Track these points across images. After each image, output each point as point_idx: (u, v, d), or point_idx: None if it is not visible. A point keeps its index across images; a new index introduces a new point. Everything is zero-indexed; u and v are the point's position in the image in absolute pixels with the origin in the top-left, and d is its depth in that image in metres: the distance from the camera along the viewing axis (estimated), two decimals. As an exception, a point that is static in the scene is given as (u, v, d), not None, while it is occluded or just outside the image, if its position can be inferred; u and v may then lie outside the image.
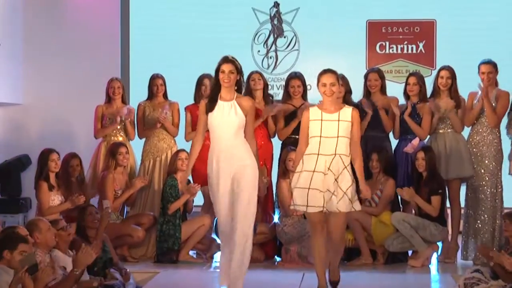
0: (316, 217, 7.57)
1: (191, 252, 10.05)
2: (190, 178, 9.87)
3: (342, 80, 10.11)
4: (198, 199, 10.29)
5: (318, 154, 7.47)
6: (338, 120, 7.50)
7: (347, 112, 7.57)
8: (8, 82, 12.01)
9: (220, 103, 7.75)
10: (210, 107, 7.75)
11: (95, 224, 8.74)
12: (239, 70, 7.72)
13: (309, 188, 7.43)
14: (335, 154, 7.45)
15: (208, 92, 10.27)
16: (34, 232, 7.65)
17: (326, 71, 7.67)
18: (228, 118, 7.70)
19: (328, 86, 7.54)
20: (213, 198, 7.94)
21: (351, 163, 7.61)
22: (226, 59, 7.71)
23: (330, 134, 7.47)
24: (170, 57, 12.47)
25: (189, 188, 9.72)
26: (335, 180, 7.42)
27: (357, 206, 7.61)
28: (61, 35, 12.46)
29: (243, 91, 8.02)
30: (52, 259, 7.55)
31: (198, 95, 10.28)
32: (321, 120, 7.51)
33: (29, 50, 12.45)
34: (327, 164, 7.44)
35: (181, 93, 10.75)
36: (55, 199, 9.89)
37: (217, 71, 7.72)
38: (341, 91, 10.13)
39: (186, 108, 10.43)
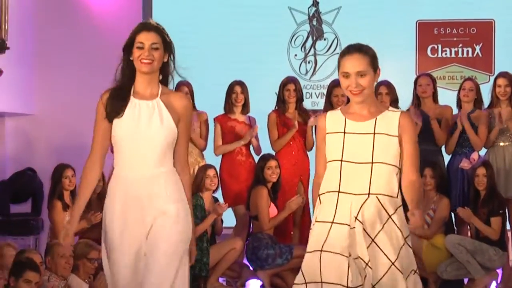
0: None
1: (220, 280, 10.04)
2: (220, 195, 9.89)
3: (388, 88, 10.17)
4: (230, 220, 10.29)
5: (338, 192, 4.90)
6: (374, 133, 4.93)
7: (392, 118, 4.99)
8: (20, 92, 12.12)
9: (133, 102, 5.20)
10: (115, 107, 5.20)
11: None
12: (167, 45, 5.19)
13: (321, 251, 4.83)
14: (368, 194, 4.87)
15: (239, 98, 10.30)
16: (47, 257, 7.72)
17: (350, 50, 5.08)
18: (147, 128, 5.11)
19: (353, 77, 4.94)
20: (107, 267, 5.34)
21: (403, 201, 5.11)
22: (146, 26, 5.18)
23: (359, 158, 4.90)
24: (197, 63, 12.49)
25: (215, 208, 9.62)
26: (372, 240, 4.88)
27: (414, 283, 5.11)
28: (75, 44, 12.56)
29: (173, 84, 5.50)
30: (68, 284, 7.61)
31: (228, 104, 10.30)
32: (344, 132, 4.97)
33: (42, 59, 12.56)
34: (353, 210, 4.85)
35: (210, 102, 10.77)
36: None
37: (129, 45, 5.19)
38: (385, 101, 10.15)
39: (216, 119, 10.44)
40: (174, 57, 5.26)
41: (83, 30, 12.60)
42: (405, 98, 10.41)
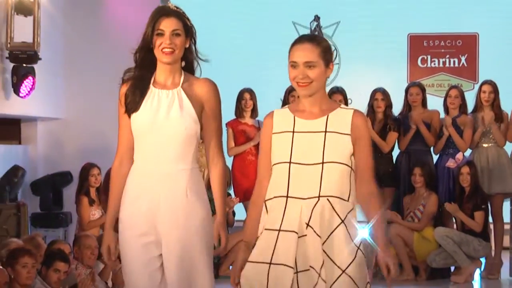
0: None
1: (231, 267, 10.05)
2: (232, 191, 9.92)
3: (383, 94, 10.20)
4: (242, 214, 10.31)
5: (287, 197, 4.04)
6: (325, 132, 4.11)
7: (345, 116, 4.18)
8: (49, 97, 12.12)
9: (153, 92, 4.50)
10: (133, 100, 4.53)
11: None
12: (188, 30, 4.44)
13: (270, 263, 4.00)
14: (318, 197, 4.02)
15: (249, 104, 10.33)
16: (75, 247, 7.74)
17: (301, 39, 4.25)
18: (165, 119, 4.41)
19: (301, 67, 4.13)
20: (124, 272, 4.65)
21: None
22: (165, 10, 4.41)
23: (309, 159, 4.07)
24: (209, 70, 12.50)
25: (227, 201, 9.61)
26: (322, 247, 4.02)
27: None
28: (101, 51, 12.55)
29: (200, 71, 4.71)
30: (93, 272, 7.63)
31: (239, 110, 10.33)
32: (293, 131, 4.13)
33: (70, 69, 12.56)
34: (304, 217, 4.01)
35: (222, 108, 10.76)
36: (95, 213, 10.00)
37: (151, 33, 4.43)
38: (380, 107, 10.18)
39: (227, 124, 10.43)
40: (195, 42, 4.53)
41: (107, 42, 12.60)
42: (398, 103, 10.42)
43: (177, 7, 4.38)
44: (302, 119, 4.13)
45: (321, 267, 3.97)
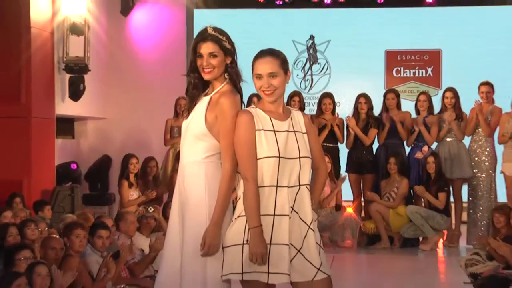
0: None
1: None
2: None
3: (366, 98, 10.23)
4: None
5: (276, 186, 3.86)
6: (294, 131, 3.97)
7: (298, 117, 4.06)
8: (96, 101, 12.17)
9: (201, 98, 4.16)
10: (188, 107, 4.19)
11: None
12: (227, 50, 4.07)
13: (270, 244, 3.81)
14: (299, 186, 3.90)
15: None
16: (120, 222, 7.76)
17: (263, 53, 4.02)
18: (190, 121, 4.11)
19: (265, 78, 3.95)
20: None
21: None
22: (202, 36, 4.05)
23: (290, 154, 3.91)
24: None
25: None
26: (309, 227, 3.90)
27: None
28: (136, 64, 12.60)
29: (241, 79, 4.17)
30: (133, 242, 7.65)
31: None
32: (274, 130, 3.92)
33: (113, 76, 12.59)
34: (290, 201, 3.87)
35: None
36: (133, 194, 10.05)
37: (194, 56, 4.10)
38: (363, 109, 10.20)
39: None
40: (235, 58, 4.12)
41: (141, 57, 12.64)
42: (377, 106, 10.43)
43: (215, 30, 4.03)
44: (276, 120, 3.94)
45: (301, 246, 3.84)
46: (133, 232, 7.89)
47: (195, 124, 4.00)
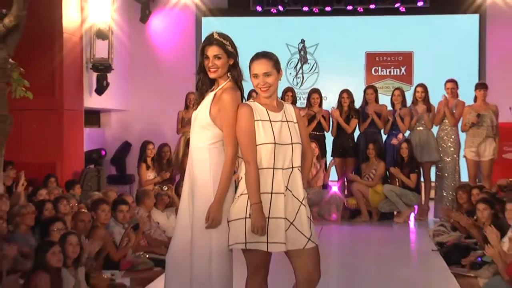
0: (266, 257, 3.93)
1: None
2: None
3: (348, 94, 10.23)
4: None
5: (273, 168, 3.84)
6: (287, 121, 3.95)
7: (290, 109, 4.04)
8: (118, 95, 12.16)
9: (209, 93, 4.10)
10: (198, 101, 4.11)
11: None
12: (230, 53, 4.02)
13: (268, 218, 3.80)
14: (292, 168, 3.89)
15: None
16: (144, 199, 7.77)
17: (258, 56, 4.00)
18: (198, 112, 4.04)
19: (261, 77, 3.93)
20: None
21: None
22: (209, 40, 4.01)
23: (284, 140, 3.89)
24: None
25: None
26: (301, 203, 3.89)
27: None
28: (153, 63, 12.59)
29: (242, 78, 4.09)
30: (150, 215, 7.68)
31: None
32: (270, 120, 3.89)
33: (133, 74, 12.58)
34: (284, 181, 3.86)
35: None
36: (150, 175, 10.07)
37: (201, 57, 4.06)
38: (346, 102, 10.19)
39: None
40: (237, 60, 4.05)
41: (157, 57, 12.62)
42: (358, 100, 10.42)
43: (220, 35, 3.97)
44: (272, 111, 3.91)
45: (294, 219, 3.83)
46: (151, 207, 7.91)
47: (201, 115, 3.96)
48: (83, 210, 6.92)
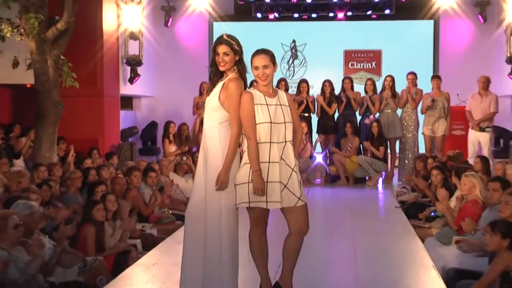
0: (265, 213, 3.92)
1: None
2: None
3: (329, 83, 10.18)
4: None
5: (270, 142, 3.83)
6: (280, 105, 3.90)
7: (283, 95, 3.98)
8: (147, 84, 12.15)
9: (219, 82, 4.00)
10: (210, 89, 4.00)
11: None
12: (236, 51, 3.94)
13: (267, 182, 3.78)
14: (285, 142, 3.86)
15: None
16: (163, 168, 7.78)
17: (258, 52, 3.96)
18: (210, 98, 3.95)
19: (260, 69, 3.89)
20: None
21: None
22: (219, 39, 3.97)
23: (279, 120, 3.86)
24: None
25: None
26: (293, 170, 3.84)
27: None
28: (175, 59, 12.55)
29: (245, 71, 3.96)
30: (172, 180, 7.69)
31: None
32: (267, 104, 3.86)
33: (159, 67, 12.56)
34: (279, 152, 3.84)
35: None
36: (172, 148, 10.09)
37: (213, 54, 3.98)
38: (327, 90, 10.14)
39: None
40: (242, 57, 3.95)
41: (178, 53, 12.57)
42: (337, 88, 10.38)
43: (228, 36, 3.91)
44: (268, 97, 3.87)
45: (287, 183, 3.80)
46: (168, 172, 7.91)
47: (212, 100, 3.91)
48: (119, 175, 6.94)
